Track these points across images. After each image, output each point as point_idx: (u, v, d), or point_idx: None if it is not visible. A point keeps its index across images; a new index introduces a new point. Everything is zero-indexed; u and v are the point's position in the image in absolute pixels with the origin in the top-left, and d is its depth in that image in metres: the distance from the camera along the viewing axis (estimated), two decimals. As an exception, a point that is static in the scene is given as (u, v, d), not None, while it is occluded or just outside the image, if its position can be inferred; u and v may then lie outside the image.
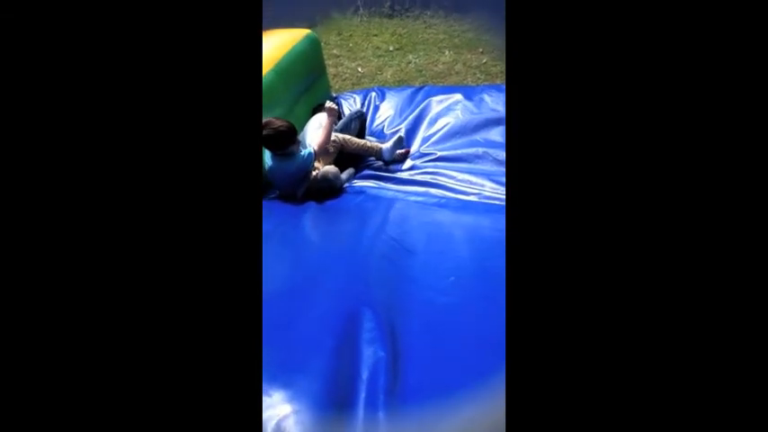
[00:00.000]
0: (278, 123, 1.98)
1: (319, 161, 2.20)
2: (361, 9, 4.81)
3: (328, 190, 2.08)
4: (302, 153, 2.08)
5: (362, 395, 0.86)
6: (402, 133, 2.37)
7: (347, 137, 2.34)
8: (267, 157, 2.09)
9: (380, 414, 0.82)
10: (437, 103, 2.58)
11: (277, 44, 2.50)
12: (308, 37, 2.70)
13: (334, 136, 2.25)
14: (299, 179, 2.08)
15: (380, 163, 2.30)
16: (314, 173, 2.12)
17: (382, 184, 2.12)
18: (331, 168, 2.15)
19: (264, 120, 1.97)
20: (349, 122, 2.45)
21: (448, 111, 2.49)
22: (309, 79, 2.71)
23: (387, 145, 2.30)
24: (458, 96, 2.55)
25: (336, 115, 2.27)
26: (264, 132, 1.94)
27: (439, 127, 2.41)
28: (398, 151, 2.31)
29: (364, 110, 2.71)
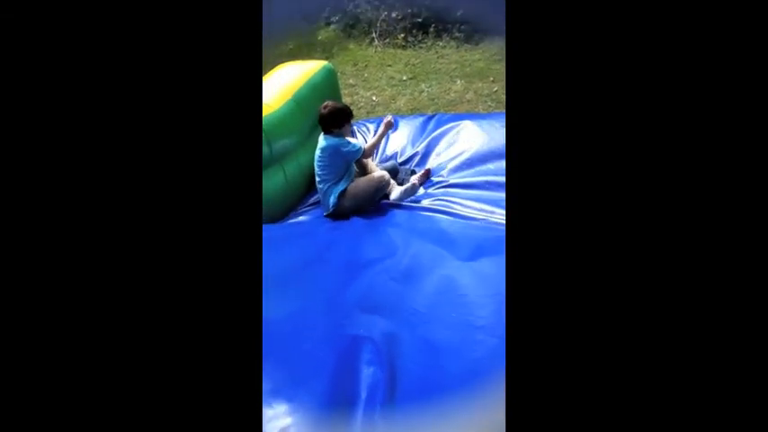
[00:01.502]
0: (336, 103, 2.26)
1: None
2: (376, 41, 4.99)
3: (366, 197, 2.21)
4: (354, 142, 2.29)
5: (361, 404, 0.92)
6: (416, 180, 2.33)
7: (372, 168, 2.41)
8: (321, 138, 2.27)
9: (378, 420, 0.87)
10: (448, 132, 2.66)
11: (296, 75, 2.64)
12: (324, 68, 2.84)
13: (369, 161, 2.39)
14: (345, 165, 2.24)
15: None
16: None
17: (394, 209, 2.19)
18: (386, 174, 2.27)
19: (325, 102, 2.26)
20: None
21: (459, 139, 2.56)
22: None
23: (395, 194, 2.27)
24: (468, 123, 2.62)
25: (391, 127, 2.43)
26: (325, 110, 2.21)
27: (451, 155, 2.47)
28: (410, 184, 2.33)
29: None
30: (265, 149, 2.22)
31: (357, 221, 2.13)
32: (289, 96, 2.44)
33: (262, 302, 0.61)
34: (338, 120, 2.22)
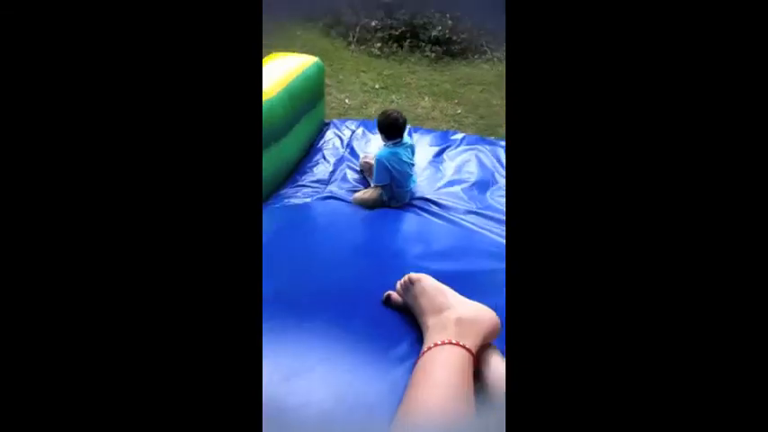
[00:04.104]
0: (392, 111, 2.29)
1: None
2: (353, 45, 5.22)
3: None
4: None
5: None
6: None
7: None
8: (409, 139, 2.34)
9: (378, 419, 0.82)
10: (429, 148, 2.91)
11: (289, 67, 2.77)
12: (316, 63, 2.99)
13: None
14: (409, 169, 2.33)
15: None
16: None
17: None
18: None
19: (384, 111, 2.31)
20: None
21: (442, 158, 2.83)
22: (311, 103, 2.98)
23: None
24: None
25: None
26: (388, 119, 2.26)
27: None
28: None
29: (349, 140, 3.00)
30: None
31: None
32: (282, 86, 2.57)
33: (261, 300, 0.60)
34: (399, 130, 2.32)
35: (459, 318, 0.80)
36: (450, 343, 0.74)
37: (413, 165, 2.43)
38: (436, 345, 0.74)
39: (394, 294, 1.01)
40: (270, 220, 2.07)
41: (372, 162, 2.39)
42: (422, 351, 0.77)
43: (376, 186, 2.31)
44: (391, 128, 2.29)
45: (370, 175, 2.45)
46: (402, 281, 0.99)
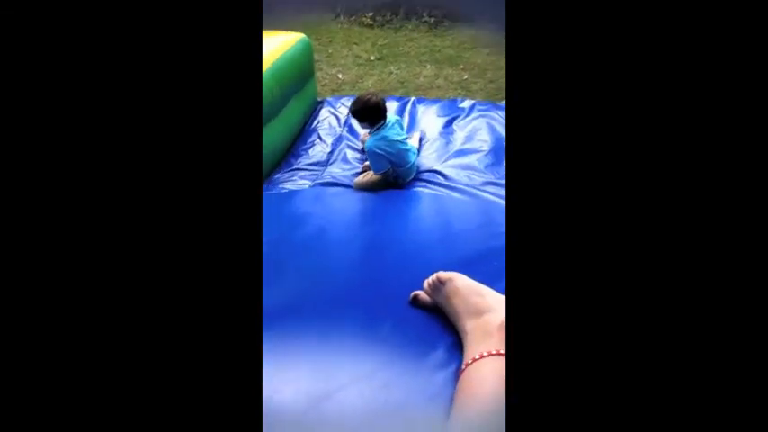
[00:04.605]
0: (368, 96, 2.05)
1: None
2: (341, 16, 4.83)
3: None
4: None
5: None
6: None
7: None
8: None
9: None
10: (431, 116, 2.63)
11: (273, 46, 2.50)
12: (302, 41, 2.72)
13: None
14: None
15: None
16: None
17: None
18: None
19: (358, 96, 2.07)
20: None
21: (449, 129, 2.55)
22: (300, 82, 2.71)
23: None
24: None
25: None
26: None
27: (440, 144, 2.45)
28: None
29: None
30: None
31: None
32: (265, 68, 2.30)
33: (261, 290, 0.60)
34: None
35: (504, 323, 0.73)
36: (498, 354, 0.69)
37: (406, 138, 2.18)
38: (482, 356, 0.70)
39: (422, 294, 0.95)
40: (268, 208, 1.89)
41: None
42: (464, 362, 0.73)
43: (377, 173, 2.07)
44: (372, 112, 2.05)
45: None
46: (431, 280, 0.93)
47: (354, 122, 2.53)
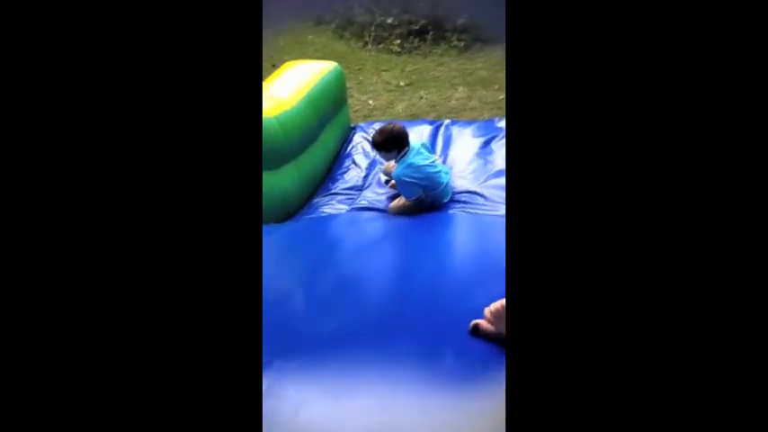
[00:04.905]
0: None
1: None
2: (370, 45, 4.90)
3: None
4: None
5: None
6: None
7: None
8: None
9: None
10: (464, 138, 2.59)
11: (308, 75, 2.56)
12: (335, 69, 2.77)
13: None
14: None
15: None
16: None
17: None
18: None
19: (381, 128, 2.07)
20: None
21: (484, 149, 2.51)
22: (335, 109, 2.75)
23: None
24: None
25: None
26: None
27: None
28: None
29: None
30: (283, 146, 2.11)
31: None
32: (301, 97, 2.35)
33: (261, 307, 0.60)
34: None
35: None
36: None
37: (434, 160, 2.12)
38: None
39: (483, 323, 0.93)
40: (309, 232, 1.95)
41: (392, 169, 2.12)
42: None
43: (410, 200, 2.03)
44: (397, 141, 2.03)
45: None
46: (493, 308, 0.91)
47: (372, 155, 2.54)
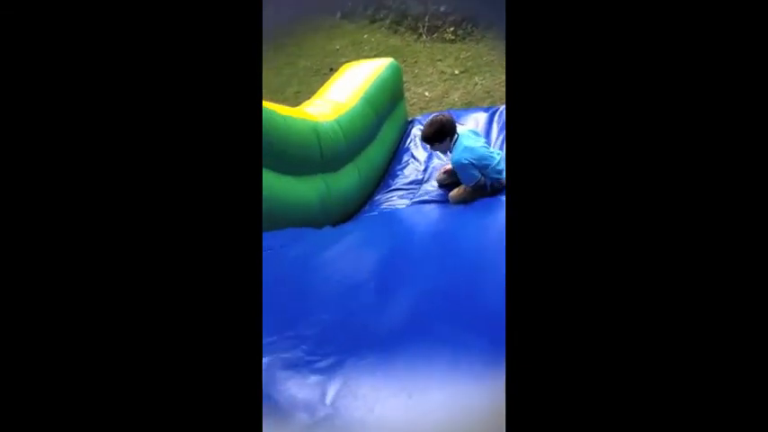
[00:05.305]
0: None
1: None
2: (424, 36, 4.98)
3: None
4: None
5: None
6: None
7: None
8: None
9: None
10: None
11: (364, 75, 2.67)
12: (391, 65, 2.86)
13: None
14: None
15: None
16: None
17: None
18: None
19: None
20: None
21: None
22: (392, 105, 2.85)
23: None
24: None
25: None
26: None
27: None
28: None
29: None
30: (343, 147, 2.26)
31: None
32: (360, 95, 2.48)
33: (262, 310, 0.60)
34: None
35: None
36: None
37: (487, 142, 2.21)
38: None
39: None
40: (373, 228, 2.01)
41: (448, 173, 2.24)
42: None
43: (469, 185, 2.12)
44: (444, 130, 2.10)
45: (450, 183, 2.26)
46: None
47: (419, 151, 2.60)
